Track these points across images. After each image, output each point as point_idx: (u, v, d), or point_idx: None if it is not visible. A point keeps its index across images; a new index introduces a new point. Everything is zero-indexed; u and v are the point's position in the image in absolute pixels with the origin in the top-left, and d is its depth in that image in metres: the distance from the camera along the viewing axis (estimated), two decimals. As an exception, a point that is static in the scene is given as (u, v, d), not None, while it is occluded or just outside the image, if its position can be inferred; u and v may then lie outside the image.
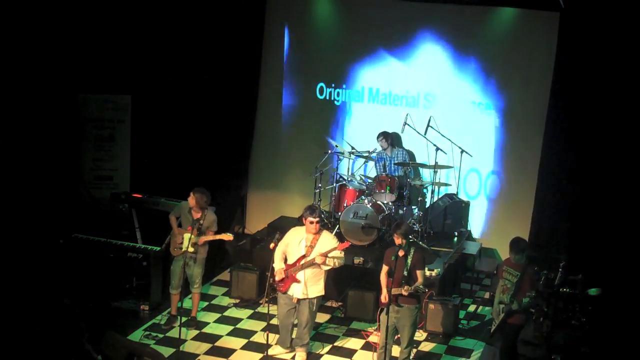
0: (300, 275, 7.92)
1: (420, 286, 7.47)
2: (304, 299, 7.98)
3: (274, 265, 8.06)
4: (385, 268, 7.70)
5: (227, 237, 8.52)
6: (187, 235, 8.51)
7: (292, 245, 8.00)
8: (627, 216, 9.75)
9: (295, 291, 7.98)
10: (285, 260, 8.04)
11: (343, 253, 8.01)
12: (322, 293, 8.07)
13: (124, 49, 11.02)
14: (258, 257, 9.92)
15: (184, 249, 8.52)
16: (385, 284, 7.64)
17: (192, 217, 8.61)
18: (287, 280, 7.97)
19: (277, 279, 7.98)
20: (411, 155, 11.17)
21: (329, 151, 11.06)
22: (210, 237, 8.57)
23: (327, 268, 7.96)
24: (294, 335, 8.31)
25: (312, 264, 7.84)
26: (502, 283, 7.54)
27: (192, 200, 8.55)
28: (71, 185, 11.20)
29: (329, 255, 7.83)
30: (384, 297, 7.59)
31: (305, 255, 7.90)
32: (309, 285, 7.92)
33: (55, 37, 10.33)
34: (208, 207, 8.67)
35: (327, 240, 7.95)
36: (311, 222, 7.87)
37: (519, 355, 8.16)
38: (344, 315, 9.37)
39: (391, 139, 10.95)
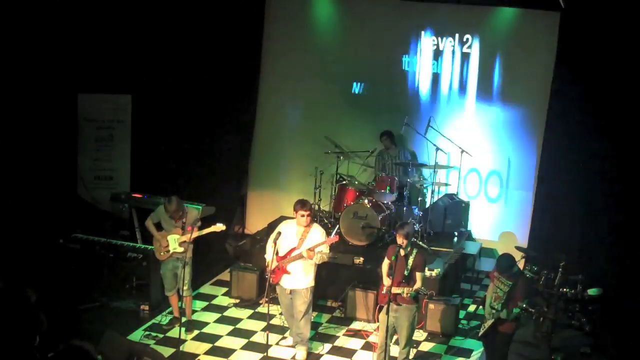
0: (290, 267, 7.98)
1: (422, 287, 7.46)
2: (296, 291, 8.04)
3: (265, 256, 8.09)
4: (386, 261, 7.71)
5: (219, 228, 8.38)
6: (172, 237, 8.48)
7: (283, 237, 8.04)
8: (627, 216, 9.74)
9: (287, 282, 8.06)
10: (277, 252, 8.06)
11: (328, 248, 8.05)
12: (312, 284, 8.11)
13: (123, 48, 11.01)
14: (258, 257, 9.90)
15: (171, 251, 8.50)
16: (385, 277, 7.62)
17: (174, 220, 8.55)
18: (278, 271, 8.03)
19: (269, 268, 8.02)
20: (412, 155, 11.17)
21: (329, 151, 11.05)
22: (204, 231, 8.39)
23: (312, 262, 8.00)
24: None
25: (300, 257, 7.89)
26: (494, 289, 7.49)
27: (171, 206, 8.35)
28: (71, 185, 11.20)
29: (316, 250, 7.86)
30: (385, 289, 7.58)
31: (297, 247, 7.97)
32: (299, 277, 7.99)
33: (55, 36, 10.33)
34: (187, 206, 8.66)
35: (316, 234, 8.00)
36: (302, 215, 7.92)
37: (520, 355, 8.17)
38: (344, 315, 9.36)
39: (394, 139, 10.94)
